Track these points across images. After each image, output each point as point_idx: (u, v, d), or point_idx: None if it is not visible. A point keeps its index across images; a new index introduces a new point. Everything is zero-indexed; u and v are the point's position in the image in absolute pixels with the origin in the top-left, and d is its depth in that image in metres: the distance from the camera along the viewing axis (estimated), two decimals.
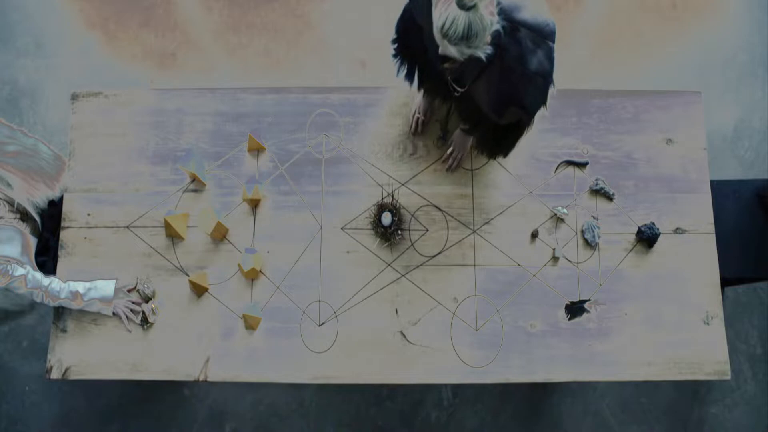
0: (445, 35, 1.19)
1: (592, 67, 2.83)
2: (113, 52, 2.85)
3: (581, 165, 1.90)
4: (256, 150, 1.90)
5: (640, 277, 1.83)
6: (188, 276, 1.81)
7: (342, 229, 1.85)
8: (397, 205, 1.83)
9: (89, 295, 1.72)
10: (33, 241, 1.76)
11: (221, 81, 2.79)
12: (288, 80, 2.78)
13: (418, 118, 1.86)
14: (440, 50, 1.25)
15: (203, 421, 2.46)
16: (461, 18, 1.15)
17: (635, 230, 1.85)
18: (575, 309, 1.80)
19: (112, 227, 1.86)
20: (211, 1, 2.92)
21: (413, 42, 1.57)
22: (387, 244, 1.82)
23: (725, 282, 1.91)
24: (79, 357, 1.77)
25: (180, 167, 1.82)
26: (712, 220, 1.87)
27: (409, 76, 1.69)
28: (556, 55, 1.38)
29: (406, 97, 1.94)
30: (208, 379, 1.75)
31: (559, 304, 1.81)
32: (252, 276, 1.80)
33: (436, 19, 1.19)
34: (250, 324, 1.77)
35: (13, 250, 1.66)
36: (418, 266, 1.82)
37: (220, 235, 1.82)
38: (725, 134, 2.78)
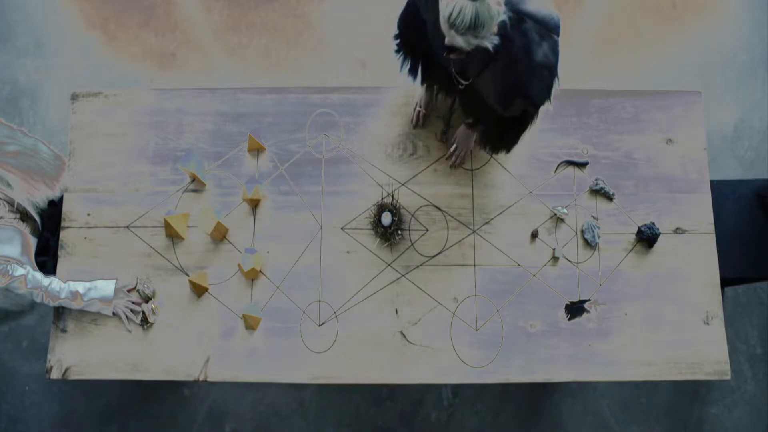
0: (452, 25, 1.19)
1: (592, 67, 2.83)
2: (113, 52, 2.85)
3: (581, 165, 1.90)
4: (256, 150, 1.90)
5: (640, 277, 1.83)
6: (188, 276, 1.81)
7: (342, 229, 1.85)
8: (397, 205, 1.83)
9: (89, 295, 1.72)
10: (33, 241, 1.76)
11: (221, 81, 2.79)
12: (288, 80, 2.78)
13: (419, 112, 1.87)
14: (447, 40, 1.25)
15: (203, 421, 2.46)
16: (468, 7, 1.15)
17: (635, 230, 1.85)
18: (575, 309, 1.80)
19: (112, 227, 1.85)
20: (211, 1, 2.92)
21: (416, 37, 1.57)
22: (387, 244, 1.82)
23: (725, 282, 1.91)
24: (79, 357, 1.76)
25: (180, 167, 1.82)
26: (712, 220, 1.87)
27: (413, 72, 1.70)
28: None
29: (406, 96, 1.94)
30: (208, 379, 1.75)
31: (559, 304, 1.81)
32: (252, 276, 1.80)
33: (443, 9, 1.19)
34: (250, 324, 1.77)
35: (13, 250, 1.66)
36: (418, 266, 1.82)
37: (220, 235, 1.82)
38: (725, 134, 2.78)
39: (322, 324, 1.79)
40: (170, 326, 1.79)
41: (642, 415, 2.49)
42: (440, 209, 1.86)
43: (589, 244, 1.84)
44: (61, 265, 1.83)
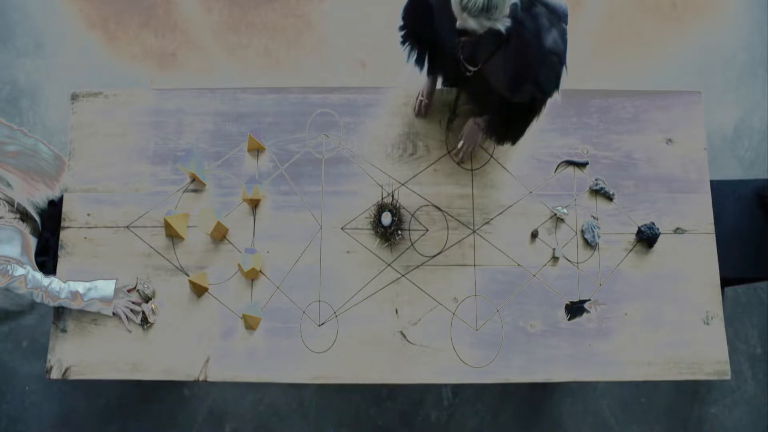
0: (465, 8, 1.20)
1: (592, 67, 2.83)
2: (113, 52, 2.85)
3: (581, 165, 1.90)
4: (256, 150, 1.90)
5: (640, 277, 1.83)
6: (188, 276, 1.81)
7: (342, 229, 1.85)
8: (397, 205, 1.83)
9: (89, 295, 1.72)
10: (33, 241, 1.76)
11: (221, 81, 2.79)
12: (288, 80, 2.78)
13: (421, 101, 1.87)
14: (458, 24, 1.26)
15: (203, 421, 2.46)
16: None
17: (635, 230, 1.85)
18: (575, 309, 1.80)
19: (112, 227, 1.85)
20: (211, 1, 2.92)
21: (421, 25, 1.59)
22: (387, 244, 1.82)
23: (725, 282, 1.91)
24: (79, 357, 1.76)
25: (180, 167, 1.82)
26: (712, 220, 1.87)
27: (419, 62, 1.71)
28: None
29: (406, 96, 1.94)
30: (208, 379, 1.75)
31: (559, 304, 1.81)
32: (252, 276, 1.80)
33: None
34: (250, 324, 1.77)
35: (13, 250, 1.66)
36: (418, 266, 1.82)
37: (220, 235, 1.82)
38: (725, 134, 2.78)
39: (322, 324, 1.79)
40: (170, 326, 1.79)
41: (642, 415, 2.49)
42: (440, 209, 1.86)
43: (589, 244, 1.84)
44: (61, 265, 1.83)
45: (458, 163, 1.88)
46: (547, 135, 1.91)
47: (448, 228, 1.85)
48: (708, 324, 1.80)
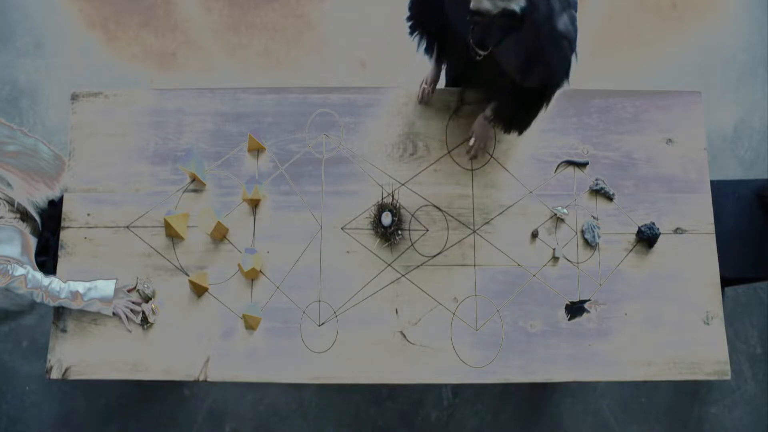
0: None
1: (592, 67, 2.83)
2: (113, 52, 2.85)
3: (581, 165, 1.90)
4: (256, 150, 1.90)
5: (640, 277, 1.83)
6: (188, 276, 1.81)
7: (342, 229, 1.85)
8: (397, 205, 1.83)
9: (89, 295, 1.72)
10: (33, 241, 1.76)
11: (221, 81, 2.79)
12: (288, 80, 2.78)
13: (424, 89, 1.89)
14: (472, 4, 1.26)
15: (203, 421, 2.46)
16: None
17: (635, 230, 1.85)
18: (575, 309, 1.80)
19: (112, 227, 1.85)
20: (211, 1, 2.92)
21: (429, 12, 1.60)
22: (387, 244, 1.82)
23: (725, 282, 1.91)
24: (79, 357, 1.76)
25: (180, 167, 1.82)
26: (712, 220, 1.87)
27: (429, 50, 1.72)
28: None
29: (406, 96, 1.94)
30: (208, 379, 1.75)
31: (559, 304, 1.81)
32: (252, 276, 1.80)
33: None
34: (250, 324, 1.77)
35: (13, 250, 1.66)
36: (418, 266, 1.82)
37: (220, 235, 1.82)
38: (725, 134, 2.78)
39: (322, 324, 1.79)
40: (170, 326, 1.79)
41: (642, 415, 2.49)
42: (440, 209, 1.86)
43: (589, 244, 1.84)
44: (61, 265, 1.83)
45: (471, 159, 1.88)
46: (547, 135, 1.91)
47: (448, 228, 1.85)
48: (708, 324, 1.80)
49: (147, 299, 1.79)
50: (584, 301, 1.81)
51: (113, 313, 1.77)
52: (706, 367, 1.77)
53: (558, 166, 1.90)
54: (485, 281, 1.82)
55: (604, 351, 1.77)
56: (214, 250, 1.84)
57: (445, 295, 1.80)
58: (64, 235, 1.84)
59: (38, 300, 1.69)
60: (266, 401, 2.48)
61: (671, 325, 1.79)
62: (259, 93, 1.95)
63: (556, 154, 1.91)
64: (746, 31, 2.89)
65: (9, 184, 1.64)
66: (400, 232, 1.80)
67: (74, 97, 1.95)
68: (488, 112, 1.73)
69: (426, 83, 1.89)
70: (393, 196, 1.87)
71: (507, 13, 1.27)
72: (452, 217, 1.86)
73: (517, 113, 1.66)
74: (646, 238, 1.83)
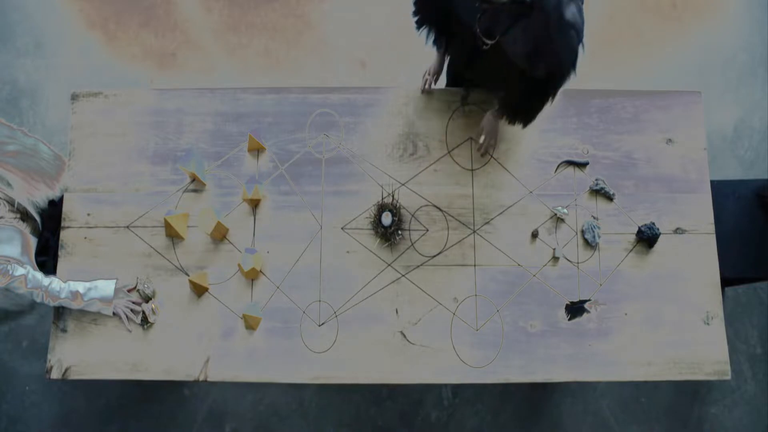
0: None
1: (592, 67, 2.83)
2: (113, 52, 2.85)
3: (581, 165, 1.90)
4: (256, 150, 1.90)
5: (640, 277, 1.83)
6: (188, 276, 1.81)
7: (342, 229, 1.85)
8: (397, 205, 1.83)
9: (89, 295, 1.72)
10: (33, 241, 1.76)
11: (221, 81, 2.79)
12: (288, 80, 2.78)
13: (427, 79, 1.91)
14: None
15: (203, 421, 2.46)
16: None
17: (635, 230, 1.85)
18: (575, 309, 1.80)
19: (112, 227, 1.85)
20: (211, 1, 2.92)
21: (434, 7, 1.61)
22: (387, 244, 1.82)
23: (725, 282, 1.91)
24: (79, 357, 1.76)
25: (180, 167, 1.82)
26: (712, 220, 1.87)
27: (437, 42, 1.74)
28: None
29: (406, 97, 1.94)
30: (208, 379, 1.75)
31: (559, 304, 1.81)
32: (252, 276, 1.80)
33: None
34: (250, 324, 1.77)
35: (13, 250, 1.66)
36: (418, 266, 1.82)
37: (220, 235, 1.82)
38: (725, 134, 2.78)
39: (322, 324, 1.79)
40: (170, 326, 1.79)
41: (642, 415, 2.49)
42: (440, 209, 1.86)
43: (589, 244, 1.84)
44: (61, 265, 1.83)
45: (482, 156, 1.89)
46: (547, 135, 1.91)
47: (448, 228, 1.85)
48: (708, 324, 1.80)
49: (147, 299, 1.79)
50: (584, 301, 1.81)
51: (113, 313, 1.77)
52: (706, 367, 1.77)
53: (558, 166, 1.90)
54: (485, 281, 1.82)
55: (604, 351, 1.77)
56: (214, 250, 1.84)
57: (445, 295, 1.80)
58: (64, 235, 1.84)
59: (38, 300, 1.69)
60: (266, 401, 2.48)
61: (671, 325, 1.79)
62: (259, 93, 1.95)
63: (556, 154, 1.91)
64: (746, 31, 2.89)
65: (9, 184, 1.64)
66: (400, 232, 1.80)
67: (74, 97, 1.95)
68: (495, 106, 1.74)
69: (429, 74, 1.91)
70: (393, 196, 1.86)
71: (516, 0, 1.27)
72: (452, 217, 1.86)
73: (523, 104, 1.66)
74: (646, 238, 1.83)
